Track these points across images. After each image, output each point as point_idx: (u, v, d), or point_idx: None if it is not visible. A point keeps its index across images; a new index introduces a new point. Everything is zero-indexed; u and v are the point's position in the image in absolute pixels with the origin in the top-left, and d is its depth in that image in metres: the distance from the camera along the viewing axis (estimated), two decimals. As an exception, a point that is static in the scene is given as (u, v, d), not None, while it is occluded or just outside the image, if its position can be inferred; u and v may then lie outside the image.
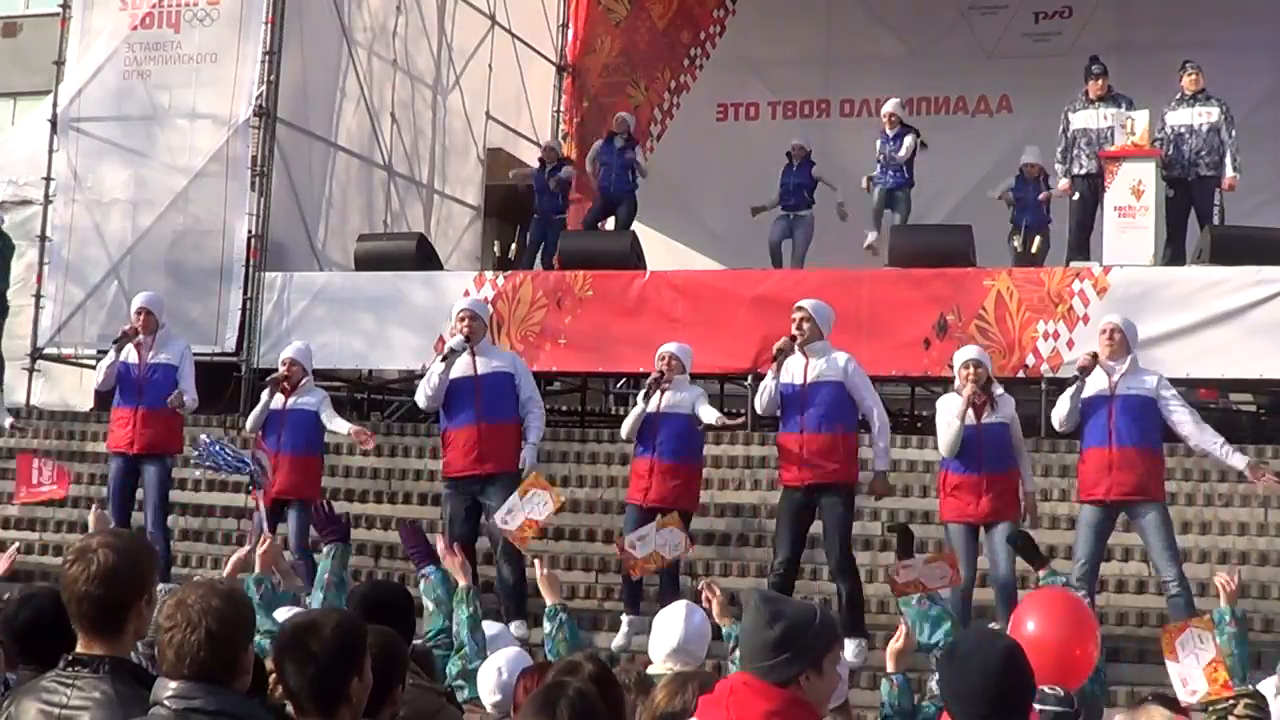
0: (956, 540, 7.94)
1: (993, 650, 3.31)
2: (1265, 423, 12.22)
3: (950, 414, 8.04)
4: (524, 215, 14.31)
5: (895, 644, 4.67)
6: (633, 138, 14.17)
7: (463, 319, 8.60)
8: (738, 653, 3.42)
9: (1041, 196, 12.48)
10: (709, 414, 8.53)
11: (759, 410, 8.54)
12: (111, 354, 9.62)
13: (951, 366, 10.05)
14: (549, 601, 5.28)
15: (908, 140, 12.98)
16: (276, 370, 9.46)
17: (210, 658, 2.92)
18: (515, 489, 8.44)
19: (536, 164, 14.28)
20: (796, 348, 8.17)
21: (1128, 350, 7.96)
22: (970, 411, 7.95)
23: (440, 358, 8.69)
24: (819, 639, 3.20)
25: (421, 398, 8.75)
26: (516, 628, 7.86)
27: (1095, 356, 7.94)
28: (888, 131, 13.11)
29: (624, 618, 8.45)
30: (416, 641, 5.11)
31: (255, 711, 2.89)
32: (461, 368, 8.54)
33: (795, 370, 8.20)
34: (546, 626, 5.21)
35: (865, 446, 8.46)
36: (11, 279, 12.64)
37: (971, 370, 8.00)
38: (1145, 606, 8.60)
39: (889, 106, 13.27)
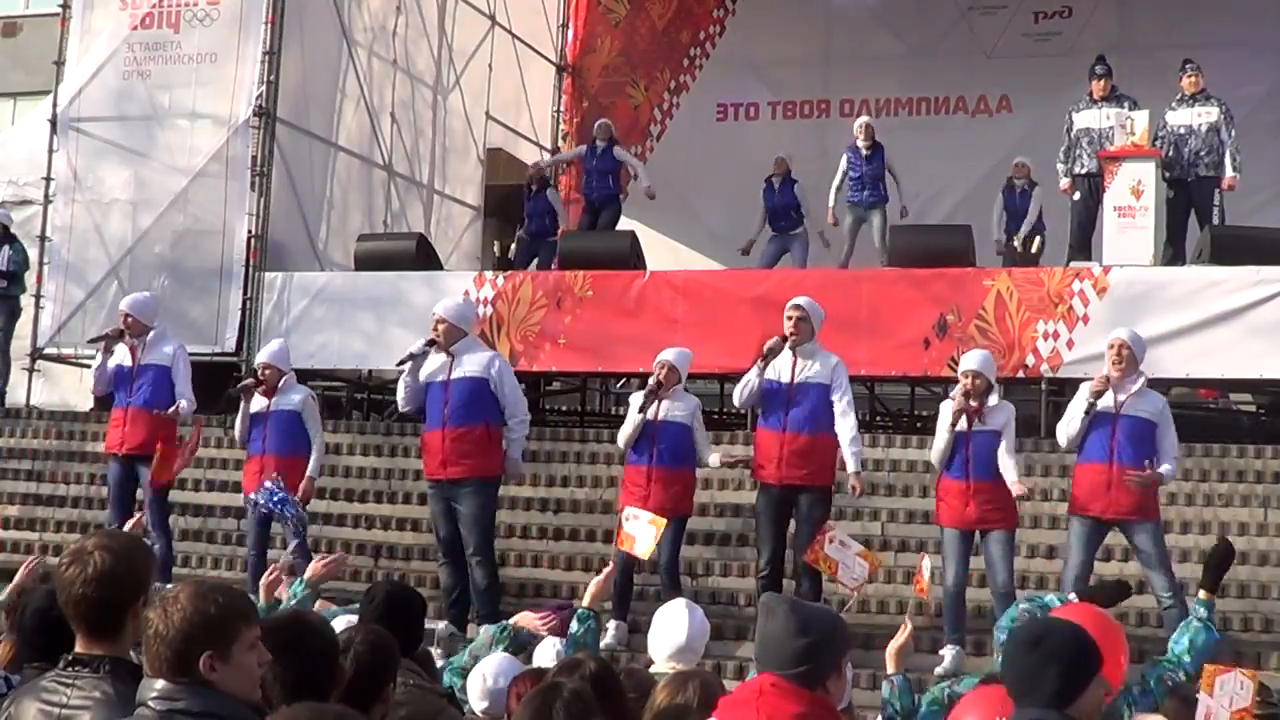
0: (949, 543, 7.95)
1: (1032, 626, 3.38)
2: (1265, 423, 12.22)
3: (943, 424, 8.03)
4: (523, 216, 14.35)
5: (896, 642, 4.69)
6: (614, 140, 14.15)
7: (434, 324, 8.53)
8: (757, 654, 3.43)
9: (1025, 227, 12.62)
10: (712, 457, 8.56)
11: (737, 404, 8.53)
12: (99, 357, 9.59)
13: (951, 367, 10.08)
14: (587, 604, 5.23)
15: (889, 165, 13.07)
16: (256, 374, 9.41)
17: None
18: (489, 494, 8.46)
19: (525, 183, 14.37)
20: (788, 347, 8.18)
21: (1136, 366, 7.83)
22: (963, 419, 7.94)
23: (398, 361, 8.69)
24: (842, 644, 3.37)
25: (399, 402, 8.78)
26: (487, 631, 7.84)
27: (1108, 380, 7.78)
28: (860, 145, 13.02)
29: (611, 623, 8.43)
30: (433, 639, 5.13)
31: (242, 712, 2.88)
32: (438, 371, 8.48)
33: (782, 368, 8.20)
34: (574, 627, 5.15)
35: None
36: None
37: (970, 381, 7.95)
38: (1145, 606, 8.58)
39: (863, 119, 13.30)
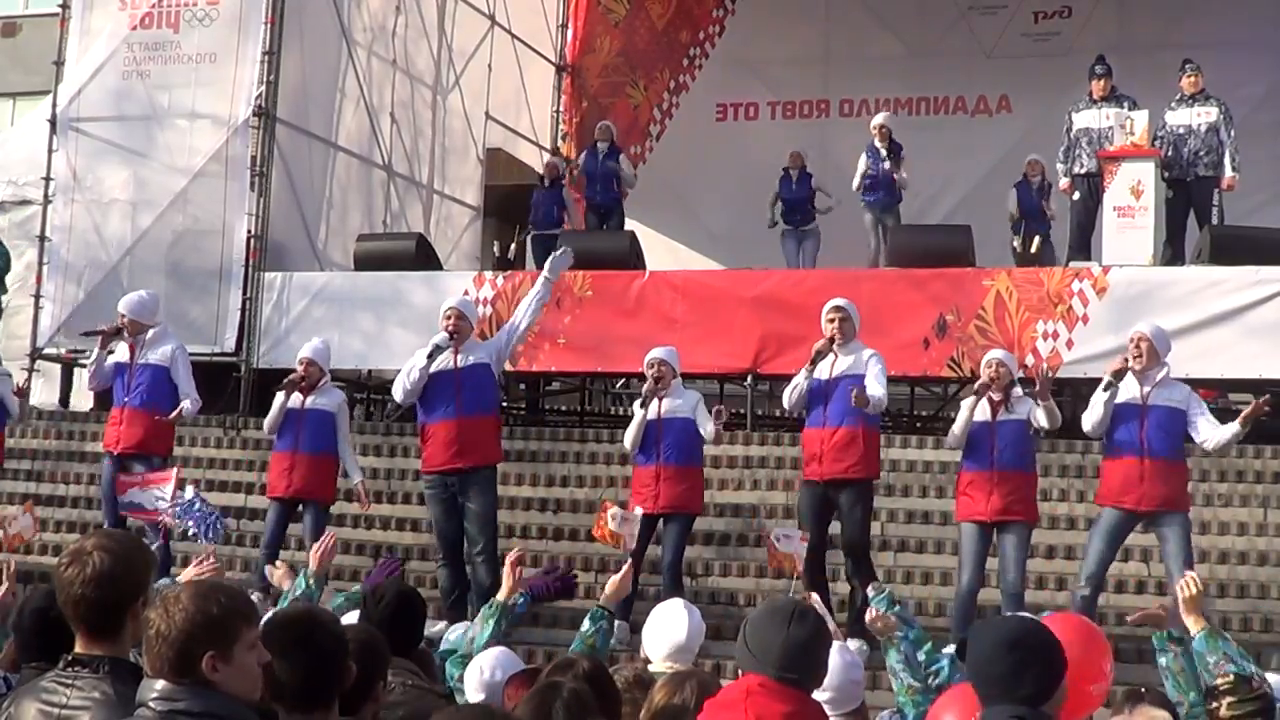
0: (967, 540, 7.94)
1: (1009, 626, 3.38)
2: (1265, 423, 12.19)
3: (964, 408, 8.10)
4: (524, 215, 14.34)
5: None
6: (616, 146, 14.17)
7: (449, 317, 8.60)
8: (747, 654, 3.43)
9: (1051, 214, 12.55)
10: (709, 429, 8.49)
11: (786, 407, 8.57)
12: (95, 352, 9.56)
13: (951, 367, 10.07)
14: (603, 602, 5.21)
15: (903, 161, 13.00)
16: (281, 370, 9.42)
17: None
18: (494, 484, 8.60)
19: (542, 173, 14.37)
20: (834, 348, 8.23)
21: (1158, 359, 7.86)
22: (987, 409, 7.96)
23: (426, 353, 8.70)
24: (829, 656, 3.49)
25: (399, 391, 8.72)
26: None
27: (1126, 361, 7.82)
28: (878, 145, 12.94)
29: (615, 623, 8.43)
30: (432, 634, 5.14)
31: (242, 712, 2.88)
32: (442, 362, 8.54)
33: (823, 366, 8.25)
34: (585, 625, 5.12)
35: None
36: (11, 279, 12.66)
37: (994, 369, 8.02)
38: (1145, 607, 8.56)
39: (880, 119, 13.17)
